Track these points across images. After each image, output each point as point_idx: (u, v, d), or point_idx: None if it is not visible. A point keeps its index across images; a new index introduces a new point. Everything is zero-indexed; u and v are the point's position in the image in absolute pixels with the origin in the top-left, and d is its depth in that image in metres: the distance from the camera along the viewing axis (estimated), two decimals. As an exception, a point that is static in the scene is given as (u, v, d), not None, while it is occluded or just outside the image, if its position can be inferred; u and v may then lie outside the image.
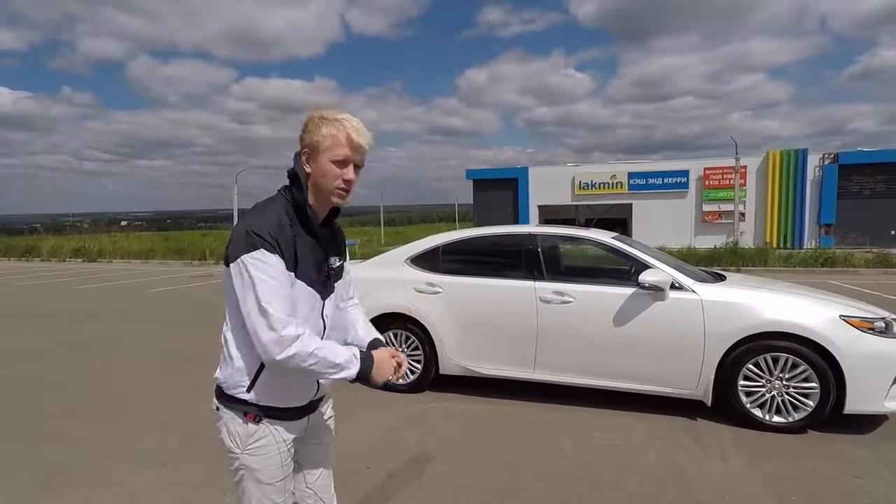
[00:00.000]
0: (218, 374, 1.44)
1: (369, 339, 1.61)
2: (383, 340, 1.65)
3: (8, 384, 4.83)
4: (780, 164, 23.12)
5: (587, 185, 26.45)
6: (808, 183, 22.79)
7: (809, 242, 22.24)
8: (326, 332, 1.45)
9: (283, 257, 1.29)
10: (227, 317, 1.40)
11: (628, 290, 3.87)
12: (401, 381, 4.46)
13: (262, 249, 1.26)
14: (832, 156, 22.57)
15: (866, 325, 3.47)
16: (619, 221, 25.69)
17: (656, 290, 3.77)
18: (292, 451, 1.47)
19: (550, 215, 27.73)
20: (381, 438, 3.52)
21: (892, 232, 21.53)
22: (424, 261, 4.59)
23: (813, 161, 22.75)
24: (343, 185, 1.36)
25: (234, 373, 1.39)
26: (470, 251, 4.59)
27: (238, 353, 1.38)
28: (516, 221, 26.20)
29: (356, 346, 1.54)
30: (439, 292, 4.37)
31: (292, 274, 1.32)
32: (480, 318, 4.26)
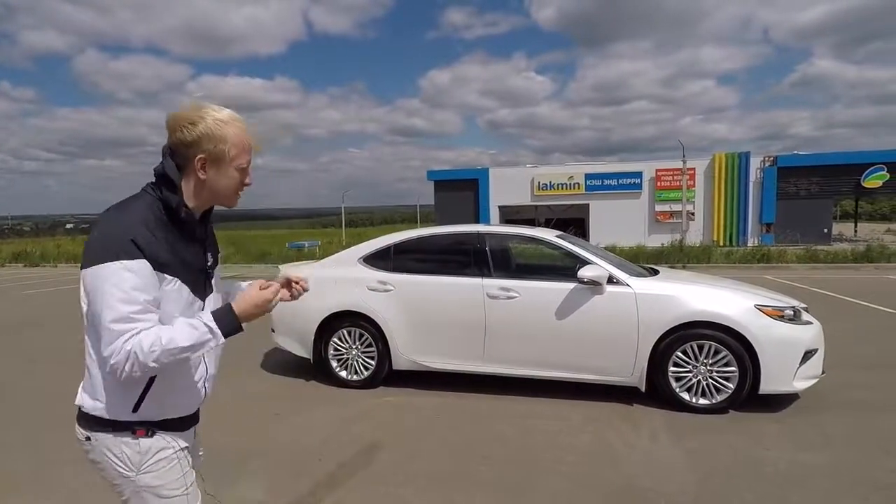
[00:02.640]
0: (83, 400, 1.29)
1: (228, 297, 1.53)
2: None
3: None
4: (725, 167, 24.37)
5: (546, 185, 27.09)
6: (751, 184, 24.13)
7: (752, 240, 23.54)
8: None
9: (148, 260, 1.18)
10: (90, 334, 1.25)
11: (569, 286, 4.12)
12: (354, 377, 4.57)
13: (121, 256, 1.14)
14: (772, 158, 23.98)
15: (777, 314, 3.84)
16: (576, 221, 26.45)
17: (594, 285, 4.03)
18: (190, 459, 1.41)
19: (511, 216, 28.25)
20: (333, 432, 3.63)
21: (825, 230, 23.10)
22: (377, 260, 4.72)
23: (755, 163, 24.10)
24: (241, 190, 1.34)
25: (111, 397, 1.25)
26: (421, 250, 4.75)
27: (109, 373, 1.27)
28: (477, 222, 26.56)
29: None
30: (391, 290, 4.51)
31: (168, 277, 1.23)
32: (431, 315, 4.43)
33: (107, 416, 1.26)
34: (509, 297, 4.21)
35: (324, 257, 5.33)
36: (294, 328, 4.70)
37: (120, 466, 1.28)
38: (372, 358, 4.56)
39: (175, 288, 1.25)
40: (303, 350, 4.74)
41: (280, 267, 5.27)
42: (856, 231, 29.38)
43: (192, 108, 1.24)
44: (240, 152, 1.27)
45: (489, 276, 4.36)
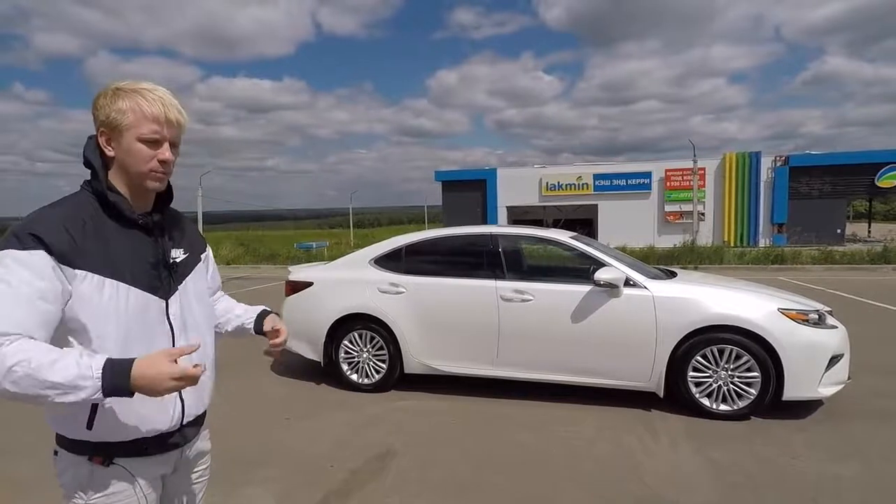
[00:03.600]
0: (45, 412, 1.17)
1: (255, 315, 1.48)
2: (270, 310, 1.51)
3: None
4: (735, 166, 24.12)
5: (554, 186, 26.96)
6: (762, 184, 23.86)
7: (763, 241, 23.28)
8: (178, 335, 1.22)
9: (49, 252, 1.04)
10: None
11: (585, 288, 4.02)
12: (365, 380, 4.51)
13: (12, 249, 1.02)
14: (783, 158, 23.70)
15: (801, 318, 3.72)
16: (585, 222, 26.29)
17: (611, 287, 3.93)
18: (158, 492, 1.24)
19: (519, 216, 28.14)
20: (345, 437, 3.55)
21: (838, 230, 22.79)
22: (388, 261, 4.65)
23: (766, 163, 23.83)
24: (158, 168, 1.17)
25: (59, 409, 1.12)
26: (433, 252, 4.67)
27: None
28: (485, 222, 26.47)
29: (219, 329, 1.44)
30: (403, 292, 4.43)
31: (79, 272, 1.07)
32: (443, 318, 4.34)
33: (65, 434, 1.15)
34: (523, 300, 4.12)
35: (331, 258, 5.27)
36: (304, 331, 4.63)
37: (74, 491, 1.16)
38: (383, 361, 4.48)
39: (94, 285, 1.08)
40: (313, 353, 4.67)
41: (290, 268, 5.21)
42: (870, 231, 28.95)
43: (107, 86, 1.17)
44: (138, 120, 1.13)
45: (502, 278, 4.27)
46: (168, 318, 1.21)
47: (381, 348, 4.48)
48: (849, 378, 3.81)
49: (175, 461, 1.28)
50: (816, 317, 3.77)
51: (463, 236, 4.70)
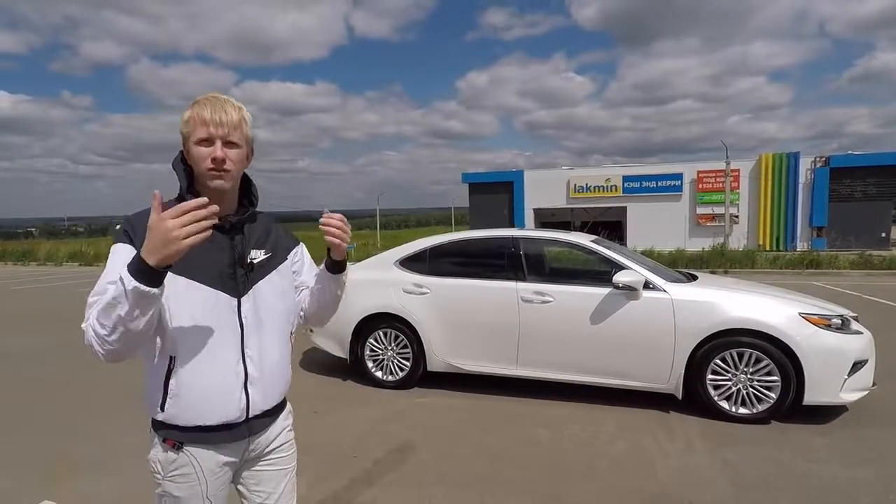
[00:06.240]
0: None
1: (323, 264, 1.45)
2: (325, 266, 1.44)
3: (18, 382, 5.03)
4: (772, 168, 23.45)
5: (582, 188, 26.74)
6: (801, 186, 23.12)
7: (801, 244, 22.53)
8: (249, 332, 1.29)
9: (134, 246, 1.15)
10: None
11: (604, 290, 4.09)
12: (389, 377, 4.67)
13: (117, 241, 1.22)
14: (824, 159, 22.90)
15: (824, 322, 3.70)
16: (614, 224, 25.95)
17: (630, 290, 3.99)
18: (224, 478, 1.33)
19: (546, 218, 28.00)
20: (368, 430, 3.73)
21: (882, 234, 21.85)
22: (413, 263, 4.81)
23: (805, 164, 23.09)
24: (212, 165, 1.22)
25: (147, 389, 1.27)
26: (456, 253, 4.81)
27: (147, 366, 1.26)
28: (512, 225, 26.45)
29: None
30: (427, 293, 4.59)
31: (169, 273, 1.10)
32: (466, 318, 4.48)
33: (150, 414, 1.29)
34: (543, 302, 4.22)
35: (359, 259, 5.46)
36: (331, 329, 4.85)
37: (153, 465, 1.30)
38: (407, 359, 4.65)
39: (169, 281, 1.11)
40: (340, 350, 4.88)
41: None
42: (916, 235, 27.63)
43: None
44: (195, 126, 1.22)
45: (523, 279, 4.38)
46: (239, 316, 1.28)
47: (405, 346, 4.65)
48: (874, 384, 3.76)
49: (244, 452, 1.34)
50: (839, 322, 3.74)
51: (485, 239, 4.83)
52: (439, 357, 4.54)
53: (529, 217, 27.74)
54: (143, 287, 1.01)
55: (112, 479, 3.02)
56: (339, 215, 1.34)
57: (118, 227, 1.26)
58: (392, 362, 4.70)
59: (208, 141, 1.22)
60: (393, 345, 4.69)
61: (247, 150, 1.30)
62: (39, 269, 19.14)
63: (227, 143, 1.23)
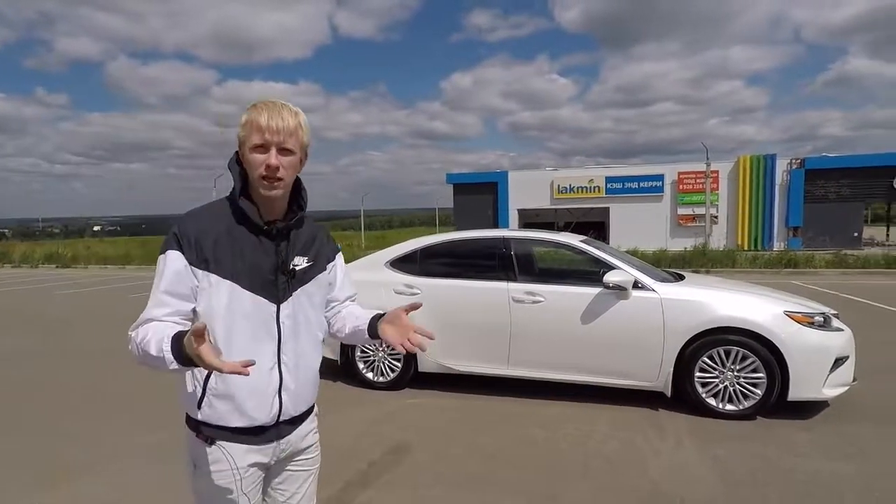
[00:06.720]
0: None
1: (369, 317, 1.45)
2: (384, 313, 1.44)
3: (3, 384, 4.89)
4: (750, 169, 23.96)
5: (565, 188, 26.99)
6: (777, 187, 23.66)
7: (778, 244, 23.07)
8: (286, 337, 1.31)
9: (182, 253, 1.21)
10: None
11: (594, 290, 4.14)
12: (381, 378, 4.67)
13: (169, 249, 1.23)
14: (799, 161, 23.49)
15: (807, 320, 3.80)
16: (596, 225, 26.26)
17: (620, 290, 4.05)
18: (256, 477, 1.34)
19: (530, 219, 28.20)
20: (362, 431, 3.71)
21: (855, 234, 22.51)
22: (404, 264, 4.81)
23: (781, 166, 23.64)
24: (265, 172, 1.22)
25: (185, 389, 1.31)
26: (447, 254, 4.82)
27: None
28: (496, 225, 26.55)
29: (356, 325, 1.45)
30: (417, 293, 4.58)
31: (200, 272, 1.22)
32: (457, 318, 4.48)
33: (187, 412, 1.33)
34: (534, 302, 4.25)
35: (345, 261, 5.43)
36: (322, 330, 4.80)
37: (191, 459, 1.33)
38: (398, 360, 4.64)
39: (213, 285, 1.21)
40: (330, 351, 4.84)
41: None
42: (888, 235, 28.51)
43: None
44: (250, 132, 1.22)
45: (514, 280, 4.40)
46: (278, 322, 1.29)
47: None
48: (854, 380, 3.88)
49: (273, 452, 1.36)
50: (822, 319, 3.85)
51: (476, 240, 4.85)
52: (430, 358, 4.54)
53: (514, 218, 27.91)
54: (183, 367, 1.10)
55: (106, 483, 2.96)
56: (429, 334, 1.38)
57: (173, 230, 1.25)
58: (383, 363, 4.69)
59: (263, 147, 1.21)
60: (384, 346, 4.68)
61: (300, 155, 1.29)
62: (15, 271, 18.59)
63: (282, 150, 1.23)
